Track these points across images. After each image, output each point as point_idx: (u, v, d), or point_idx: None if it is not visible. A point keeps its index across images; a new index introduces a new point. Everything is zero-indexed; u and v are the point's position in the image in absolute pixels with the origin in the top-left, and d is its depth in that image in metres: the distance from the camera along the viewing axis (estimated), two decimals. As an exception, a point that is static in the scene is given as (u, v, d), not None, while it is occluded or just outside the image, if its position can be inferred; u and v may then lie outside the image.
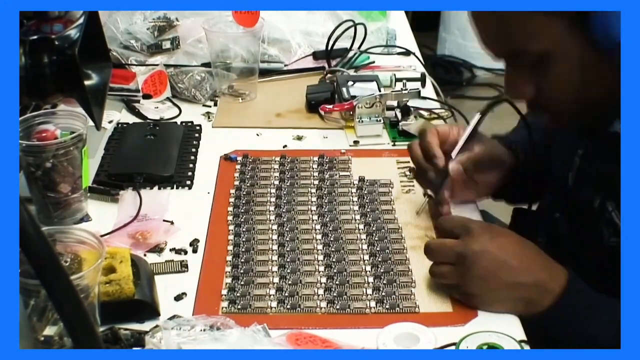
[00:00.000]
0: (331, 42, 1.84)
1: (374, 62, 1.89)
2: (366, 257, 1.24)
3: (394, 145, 1.56)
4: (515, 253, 1.14)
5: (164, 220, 1.33)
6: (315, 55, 1.89)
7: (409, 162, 1.50)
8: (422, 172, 1.35)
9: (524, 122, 1.38)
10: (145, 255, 1.24)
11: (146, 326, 1.08)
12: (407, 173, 1.46)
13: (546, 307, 1.13)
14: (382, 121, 1.58)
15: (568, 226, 1.31)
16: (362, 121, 1.58)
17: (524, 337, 1.09)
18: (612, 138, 1.17)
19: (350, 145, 1.57)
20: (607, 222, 1.20)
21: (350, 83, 1.67)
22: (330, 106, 1.63)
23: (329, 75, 1.80)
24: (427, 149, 1.33)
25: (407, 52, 1.96)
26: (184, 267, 1.22)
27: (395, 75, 1.79)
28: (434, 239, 1.28)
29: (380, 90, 1.63)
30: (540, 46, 1.11)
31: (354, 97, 1.61)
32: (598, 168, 1.22)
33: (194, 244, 1.28)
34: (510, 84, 1.21)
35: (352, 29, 1.86)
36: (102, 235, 1.23)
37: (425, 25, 3.86)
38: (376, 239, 1.28)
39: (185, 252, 1.26)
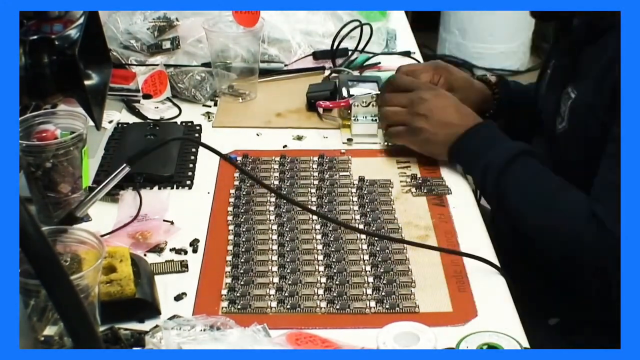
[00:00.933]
0: (337, 42, 1.84)
1: (379, 62, 1.89)
2: (366, 257, 1.24)
3: (387, 145, 1.56)
4: (446, 106, 1.46)
5: (164, 220, 1.33)
6: (316, 55, 1.89)
7: (409, 161, 1.50)
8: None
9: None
10: (145, 255, 1.24)
11: (146, 326, 1.08)
12: (407, 173, 1.47)
13: (454, 140, 1.43)
14: (377, 121, 1.58)
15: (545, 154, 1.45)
16: (357, 120, 1.58)
17: (524, 337, 1.09)
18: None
19: (344, 143, 1.57)
20: (559, 110, 1.41)
21: (351, 83, 1.67)
22: (327, 103, 1.63)
23: (332, 75, 1.80)
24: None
25: (407, 52, 1.96)
26: (184, 267, 1.22)
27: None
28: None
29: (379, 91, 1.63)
30: None
31: (352, 96, 1.61)
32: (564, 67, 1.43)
33: (194, 244, 1.27)
34: None
35: (356, 29, 1.86)
36: (102, 235, 1.23)
37: (425, 25, 3.85)
38: (376, 238, 1.28)
39: (186, 252, 1.26)
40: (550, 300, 1.46)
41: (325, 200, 1.38)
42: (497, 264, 1.22)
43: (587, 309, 1.39)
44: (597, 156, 1.28)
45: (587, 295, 1.36)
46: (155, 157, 1.44)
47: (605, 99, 1.27)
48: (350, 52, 1.88)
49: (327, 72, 1.85)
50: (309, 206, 1.37)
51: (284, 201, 1.38)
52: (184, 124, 1.64)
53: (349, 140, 1.58)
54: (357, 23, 1.87)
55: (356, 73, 1.82)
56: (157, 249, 1.26)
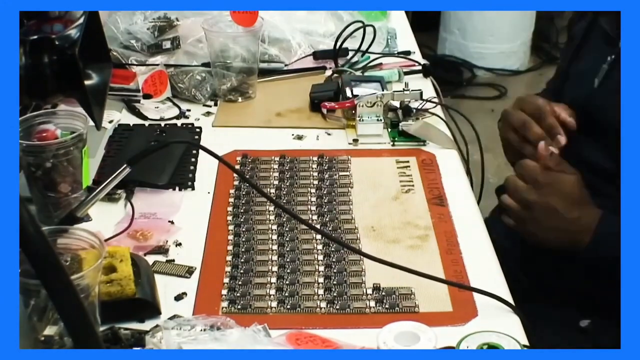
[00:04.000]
0: (339, 42, 1.84)
1: (381, 62, 1.89)
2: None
3: (393, 145, 1.56)
4: (568, 207, 1.38)
5: (168, 221, 1.33)
6: (316, 55, 1.89)
7: (408, 162, 1.50)
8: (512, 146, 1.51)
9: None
10: (145, 255, 1.24)
11: (146, 326, 1.08)
12: (407, 173, 1.47)
13: (585, 244, 1.36)
14: (382, 121, 1.58)
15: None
16: (362, 120, 1.58)
17: (524, 337, 1.09)
18: None
19: (350, 144, 1.57)
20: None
21: (354, 83, 1.67)
22: (332, 104, 1.63)
23: (335, 75, 1.80)
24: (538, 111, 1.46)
25: (407, 52, 1.96)
26: (187, 273, 1.21)
27: (402, 70, 1.81)
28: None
29: (383, 91, 1.63)
30: None
31: (356, 96, 1.61)
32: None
33: (194, 243, 1.27)
34: None
35: (358, 30, 1.86)
36: (106, 240, 1.23)
37: (425, 25, 3.86)
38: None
39: (185, 252, 1.26)
40: (581, 302, 1.45)
41: (325, 200, 1.38)
42: (500, 272, 1.22)
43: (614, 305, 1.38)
44: None
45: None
46: (155, 163, 1.44)
47: None
48: (353, 53, 1.88)
49: (328, 72, 1.85)
50: (308, 207, 1.37)
51: (284, 201, 1.38)
52: (184, 125, 1.64)
53: (355, 140, 1.58)
54: (360, 24, 1.87)
55: (358, 73, 1.82)
56: (158, 249, 1.26)
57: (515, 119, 1.49)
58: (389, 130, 1.60)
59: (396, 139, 1.57)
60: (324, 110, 1.64)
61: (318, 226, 1.31)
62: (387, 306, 1.14)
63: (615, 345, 1.20)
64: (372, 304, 1.15)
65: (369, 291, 1.17)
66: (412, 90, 1.62)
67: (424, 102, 1.63)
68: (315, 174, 1.47)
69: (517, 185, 1.43)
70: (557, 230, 1.40)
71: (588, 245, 1.37)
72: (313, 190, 1.42)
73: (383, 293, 1.16)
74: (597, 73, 1.44)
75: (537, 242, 1.43)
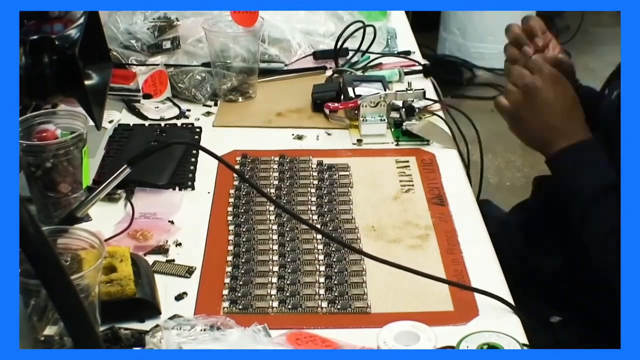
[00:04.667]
0: (340, 42, 1.84)
1: (381, 62, 1.89)
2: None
3: (397, 145, 1.56)
4: (565, 105, 1.41)
5: (168, 221, 1.33)
6: (316, 55, 1.89)
7: (408, 161, 1.50)
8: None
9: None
10: (145, 255, 1.24)
11: (146, 326, 1.08)
12: (406, 173, 1.47)
13: (558, 149, 1.38)
14: (386, 120, 1.58)
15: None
16: (366, 120, 1.58)
17: (524, 337, 1.09)
18: None
19: (354, 144, 1.57)
20: None
21: (356, 83, 1.67)
22: (336, 104, 1.63)
23: (335, 75, 1.80)
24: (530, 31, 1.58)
25: (407, 52, 1.97)
26: (187, 273, 1.21)
27: (402, 69, 1.81)
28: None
29: (385, 91, 1.63)
30: None
31: (359, 96, 1.61)
32: None
33: (194, 243, 1.27)
34: None
35: (359, 30, 1.86)
36: (106, 240, 1.23)
37: (425, 25, 3.85)
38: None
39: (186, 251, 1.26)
40: (552, 298, 1.46)
41: (325, 200, 1.38)
42: (499, 268, 1.23)
43: (590, 306, 1.39)
44: None
45: (595, 294, 1.36)
46: (155, 163, 1.44)
47: None
48: (353, 53, 1.88)
49: (329, 72, 1.85)
50: (308, 207, 1.37)
51: (284, 201, 1.38)
52: (184, 125, 1.64)
53: (359, 141, 1.58)
54: (360, 24, 1.87)
55: (359, 73, 1.82)
56: (158, 249, 1.26)
57: (511, 34, 1.61)
58: (392, 130, 1.60)
59: (400, 138, 1.57)
60: (327, 111, 1.64)
61: (318, 226, 1.31)
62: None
63: (577, 343, 1.20)
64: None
65: (370, 291, 1.17)
66: (415, 90, 1.63)
67: (433, 102, 1.64)
68: (315, 173, 1.47)
69: (523, 72, 1.44)
70: (545, 124, 1.40)
71: (558, 153, 1.39)
72: (313, 190, 1.42)
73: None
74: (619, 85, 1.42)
75: (522, 131, 1.44)
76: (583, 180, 1.35)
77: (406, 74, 1.81)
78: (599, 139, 1.41)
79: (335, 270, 1.21)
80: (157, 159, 1.45)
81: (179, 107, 1.71)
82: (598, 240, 1.32)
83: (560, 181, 1.41)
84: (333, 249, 1.26)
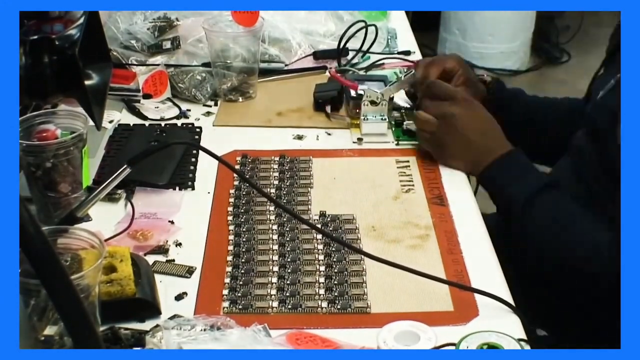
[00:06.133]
0: (343, 42, 1.84)
1: (383, 63, 1.89)
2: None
3: (397, 144, 1.56)
4: (480, 124, 1.46)
5: (168, 221, 1.33)
6: (316, 55, 1.89)
7: (408, 161, 1.50)
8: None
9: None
10: (145, 255, 1.24)
11: (146, 326, 1.08)
12: (407, 173, 1.47)
13: (485, 165, 1.42)
14: (387, 120, 1.58)
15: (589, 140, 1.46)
16: (367, 119, 1.58)
17: (524, 337, 1.09)
18: None
19: (354, 142, 1.57)
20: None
21: (358, 82, 1.67)
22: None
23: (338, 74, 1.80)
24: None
25: (407, 52, 1.97)
26: (187, 273, 1.21)
27: (401, 70, 1.82)
28: None
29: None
30: None
31: (360, 95, 1.61)
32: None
33: (194, 243, 1.27)
34: None
35: (361, 30, 1.86)
36: (106, 240, 1.23)
37: (425, 25, 3.85)
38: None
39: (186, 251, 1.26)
40: (543, 310, 1.46)
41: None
42: (499, 269, 1.23)
43: (580, 324, 1.40)
44: None
45: (583, 311, 1.37)
46: (155, 163, 1.44)
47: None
48: (354, 53, 1.88)
49: (329, 72, 1.85)
50: (308, 207, 1.37)
51: (284, 201, 1.38)
52: (184, 125, 1.64)
53: (359, 139, 1.58)
54: (362, 24, 1.87)
55: (361, 72, 1.82)
56: (158, 249, 1.26)
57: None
58: (393, 129, 1.60)
59: (400, 138, 1.57)
60: (328, 109, 1.64)
61: (319, 226, 1.31)
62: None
63: None
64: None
65: (369, 290, 1.17)
66: (414, 74, 1.63)
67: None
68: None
69: (435, 102, 1.48)
70: (464, 146, 1.45)
71: (488, 167, 1.41)
72: (313, 190, 1.42)
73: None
74: (604, 86, 1.45)
75: (448, 157, 1.47)
76: (514, 189, 1.38)
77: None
78: (586, 138, 1.43)
79: (335, 270, 1.21)
80: (157, 159, 1.45)
81: (179, 107, 1.71)
82: (539, 236, 1.35)
83: (494, 196, 1.43)
84: (333, 249, 1.26)
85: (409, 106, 1.65)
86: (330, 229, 1.31)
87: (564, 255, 1.32)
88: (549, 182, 1.38)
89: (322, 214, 1.35)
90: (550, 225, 1.35)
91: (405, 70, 1.83)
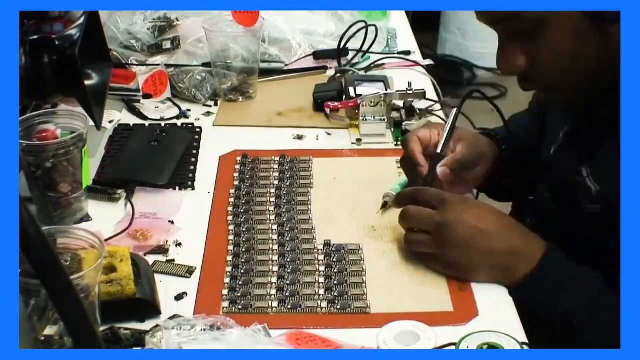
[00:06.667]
0: (343, 42, 1.85)
1: (384, 63, 1.89)
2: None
3: (396, 145, 1.56)
4: (490, 221, 1.18)
5: (168, 221, 1.33)
6: (316, 55, 1.89)
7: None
8: (412, 179, 1.34)
9: (496, 108, 1.43)
10: (145, 255, 1.24)
11: (146, 326, 1.08)
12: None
13: (522, 275, 1.16)
14: (386, 120, 1.58)
15: (552, 201, 1.33)
16: (366, 120, 1.58)
17: (525, 339, 1.09)
18: (597, 115, 1.22)
19: (353, 143, 1.57)
20: (582, 188, 1.23)
21: (357, 83, 1.67)
22: (336, 103, 1.63)
23: (338, 74, 1.80)
24: (410, 158, 1.32)
25: (407, 52, 1.97)
26: (187, 273, 1.21)
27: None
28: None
29: (387, 91, 1.63)
30: (534, 13, 1.14)
31: (359, 96, 1.61)
32: (579, 141, 1.27)
33: (194, 243, 1.27)
34: (503, 56, 1.24)
35: (361, 30, 1.86)
36: (106, 240, 1.23)
37: (425, 25, 3.85)
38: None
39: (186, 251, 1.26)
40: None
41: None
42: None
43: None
44: None
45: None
46: (155, 163, 1.44)
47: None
48: (354, 53, 1.88)
49: (329, 72, 1.86)
50: (308, 207, 1.37)
51: (284, 200, 1.38)
52: (184, 125, 1.64)
53: (358, 140, 1.58)
54: (362, 24, 1.87)
55: (361, 73, 1.82)
56: (158, 249, 1.26)
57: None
58: (392, 130, 1.60)
59: (400, 138, 1.58)
60: (327, 110, 1.64)
61: (318, 227, 1.31)
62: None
63: None
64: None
65: (369, 291, 1.17)
66: (415, 91, 1.63)
67: (434, 103, 1.64)
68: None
69: (422, 211, 1.20)
70: (484, 253, 1.17)
71: (527, 278, 1.16)
72: (313, 190, 1.42)
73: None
74: (555, 139, 1.33)
75: (463, 271, 1.19)
76: (570, 300, 1.15)
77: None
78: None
79: (335, 271, 1.21)
80: (157, 158, 1.45)
81: (179, 107, 1.71)
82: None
83: (542, 312, 1.17)
84: (333, 249, 1.26)
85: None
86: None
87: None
88: (599, 283, 1.17)
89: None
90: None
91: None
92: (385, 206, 1.35)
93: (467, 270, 1.18)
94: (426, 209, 1.20)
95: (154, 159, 1.48)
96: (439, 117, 1.63)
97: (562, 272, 1.17)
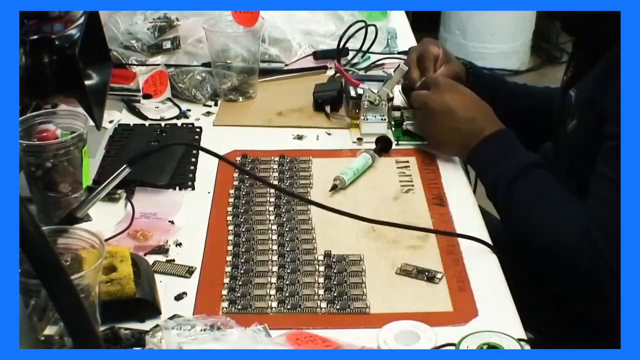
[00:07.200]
0: (343, 42, 1.85)
1: (384, 64, 1.89)
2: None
3: (397, 144, 1.56)
4: (464, 105, 1.47)
5: (169, 221, 1.33)
6: (316, 55, 1.89)
7: (408, 162, 1.50)
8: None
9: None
10: (145, 255, 1.24)
11: (146, 326, 1.08)
12: (406, 173, 1.47)
13: (471, 148, 1.43)
14: (386, 120, 1.58)
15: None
16: (367, 119, 1.58)
17: (524, 337, 1.09)
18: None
19: (354, 142, 1.57)
20: (568, 108, 1.40)
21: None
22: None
23: (338, 74, 1.80)
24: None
25: (407, 52, 1.96)
26: (187, 273, 1.21)
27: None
28: None
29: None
30: None
31: (360, 95, 1.61)
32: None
33: (194, 243, 1.27)
34: None
35: (361, 29, 1.86)
36: (106, 240, 1.22)
37: (425, 25, 3.85)
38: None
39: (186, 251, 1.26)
40: (532, 314, 1.44)
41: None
42: (500, 268, 1.23)
43: (564, 327, 1.39)
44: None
45: (575, 312, 1.35)
46: (155, 163, 1.43)
47: (603, 94, 1.28)
48: (354, 53, 1.88)
49: (329, 72, 1.86)
50: (307, 207, 1.37)
51: (284, 201, 1.38)
52: (184, 125, 1.64)
53: (359, 139, 1.58)
54: (362, 24, 1.87)
55: (361, 72, 1.82)
56: (158, 249, 1.26)
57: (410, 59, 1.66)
58: (393, 129, 1.60)
59: (400, 138, 1.58)
60: (328, 110, 1.64)
61: (318, 227, 1.31)
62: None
63: None
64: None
65: (369, 291, 1.17)
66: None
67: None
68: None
69: (420, 92, 1.53)
70: (452, 130, 1.45)
71: (474, 148, 1.42)
72: (313, 190, 1.42)
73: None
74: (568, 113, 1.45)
75: (440, 144, 1.50)
76: (497, 169, 1.39)
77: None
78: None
79: (335, 271, 1.21)
80: (157, 159, 1.45)
81: (179, 107, 1.71)
82: (523, 219, 1.35)
83: (481, 177, 1.45)
84: (333, 250, 1.25)
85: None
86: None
87: (546, 238, 1.31)
88: (533, 162, 1.39)
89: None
90: (532, 209, 1.33)
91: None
92: (334, 188, 1.42)
93: (438, 142, 1.50)
94: (423, 90, 1.53)
95: (154, 160, 1.48)
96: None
97: (499, 147, 1.41)
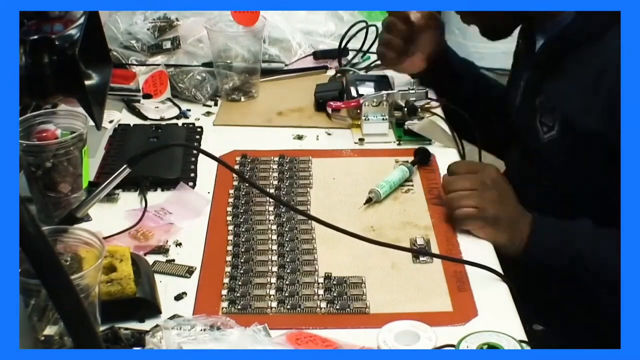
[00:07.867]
0: (344, 42, 1.85)
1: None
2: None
3: (399, 144, 1.56)
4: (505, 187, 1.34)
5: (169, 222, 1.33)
6: (316, 55, 1.89)
7: (408, 161, 1.50)
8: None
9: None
10: (145, 255, 1.24)
11: (146, 326, 1.08)
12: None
13: (526, 235, 1.28)
14: (388, 120, 1.58)
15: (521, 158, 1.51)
16: (368, 119, 1.58)
17: (524, 337, 1.09)
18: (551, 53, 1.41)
19: (355, 143, 1.57)
20: (541, 118, 1.40)
21: (359, 82, 1.67)
22: (338, 103, 1.63)
23: (338, 74, 1.80)
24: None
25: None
26: (187, 273, 1.21)
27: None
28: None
29: (388, 90, 1.63)
30: None
31: (361, 95, 1.61)
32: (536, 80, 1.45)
33: (194, 243, 1.27)
34: None
35: (362, 30, 1.87)
36: (105, 238, 1.23)
37: (426, 25, 3.85)
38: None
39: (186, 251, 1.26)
40: (540, 306, 1.45)
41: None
42: (499, 267, 1.22)
43: (574, 317, 1.39)
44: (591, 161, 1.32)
45: (578, 303, 1.36)
46: (160, 160, 1.44)
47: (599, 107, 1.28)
48: (355, 53, 1.88)
49: (330, 72, 1.86)
50: (307, 207, 1.37)
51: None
52: (184, 125, 1.65)
53: (361, 140, 1.58)
54: (362, 24, 1.87)
55: (362, 72, 1.82)
56: (158, 249, 1.26)
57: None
58: (394, 129, 1.60)
59: (402, 138, 1.58)
60: (329, 110, 1.65)
61: (317, 227, 1.31)
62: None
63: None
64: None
65: (368, 290, 1.17)
66: (417, 90, 1.63)
67: (430, 101, 1.64)
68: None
69: (465, 175, 1.33)
70: (512, 212, 1.30)
71: (529, 237, 1.29)
72: (312, 190, 1.42)
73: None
74: (518, 89, 1.50)
75: (497, 227, 1.29)
76: (573, 243, 1.28)
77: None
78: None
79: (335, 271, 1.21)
80: (162, 156, 1.46)
81: (179, 107, 1.71)
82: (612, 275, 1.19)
83: (552, 262, 1.29)
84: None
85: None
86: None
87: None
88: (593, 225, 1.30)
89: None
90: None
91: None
92: (369, 201, 1.37)
93: (502, 224, 1.28)
94: (467, 174, 1.33)
95: (159, 157, 1.49)
96: (440, 116, 1.63)
97: (554, 223, 1.30)
